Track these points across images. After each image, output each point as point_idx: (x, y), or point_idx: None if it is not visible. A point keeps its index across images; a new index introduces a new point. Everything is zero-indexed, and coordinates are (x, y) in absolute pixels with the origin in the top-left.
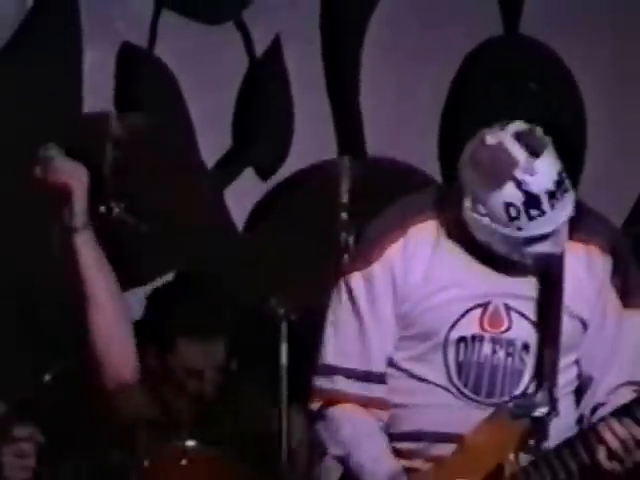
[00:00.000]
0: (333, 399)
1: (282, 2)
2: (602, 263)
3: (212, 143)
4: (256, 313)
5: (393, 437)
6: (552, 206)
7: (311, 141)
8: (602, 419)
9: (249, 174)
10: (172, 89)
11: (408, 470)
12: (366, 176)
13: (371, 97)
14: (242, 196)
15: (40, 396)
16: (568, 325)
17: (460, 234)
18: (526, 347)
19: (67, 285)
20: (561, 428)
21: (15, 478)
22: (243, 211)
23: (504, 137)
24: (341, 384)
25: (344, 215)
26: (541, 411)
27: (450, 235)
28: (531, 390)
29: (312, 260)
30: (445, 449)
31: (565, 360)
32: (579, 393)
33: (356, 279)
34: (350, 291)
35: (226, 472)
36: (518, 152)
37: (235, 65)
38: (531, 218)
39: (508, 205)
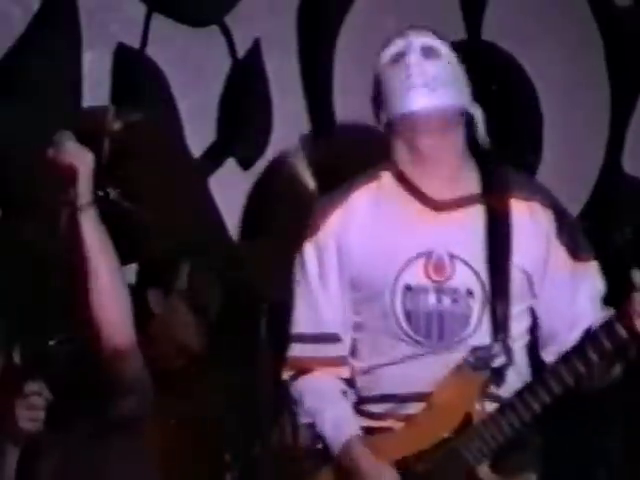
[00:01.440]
0: (295, 366)
1: (262, 8)
2: (544, 217)
3: (198, 136)
4: (239, 294)
5: (365, 400)
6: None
7: (288, 135)
8: (551, 365)
9: (231, 164)
10: (162, 86)
11: (381, 429)
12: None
13: (343, 96)
14: (225, 184)
15: (48, 356)
16: (515, 276)
17: (399, 189)
18: (470, 293)
19: (70, 260)
20: (515, 377)
21: (27, 429)
22: (225, 197)
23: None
24: (297, 350)
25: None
26: (499, 361)
27: (390, 192)
28: (485, 339)
29: (289, 247)
30: (413, 408)
31: (515, 309)
32: (543, 344)
33: (306, 247)
34: (302, 260)
35: (209, 431)
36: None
37: (219, 65)
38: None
39: (395, 55)
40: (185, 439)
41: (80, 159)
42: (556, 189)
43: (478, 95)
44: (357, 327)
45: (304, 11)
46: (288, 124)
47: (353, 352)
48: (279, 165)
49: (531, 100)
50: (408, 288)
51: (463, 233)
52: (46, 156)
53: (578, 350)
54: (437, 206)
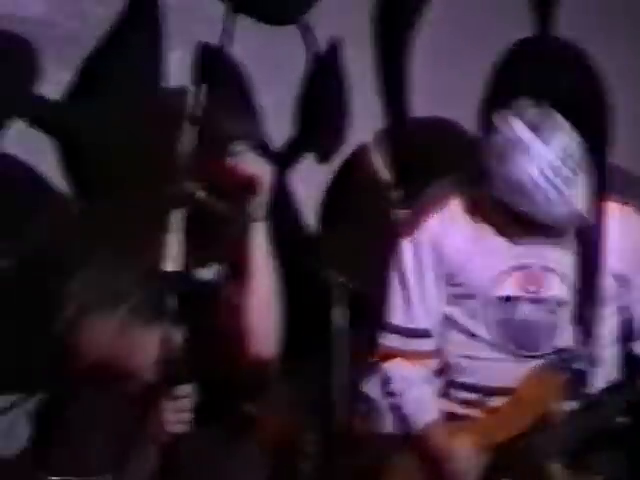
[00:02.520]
0: (384, 353)
1: (341, 6)
2: (635, 222)
3: (278, 131)
4: (317, 282)
5: (453, 385)
6: (563, 183)
7: (365, 130)
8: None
9: (309, 159)
10: (243, 84)
11: (465, 417)
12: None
13: (417, 92)
14: (303, 177)
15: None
16: (606, 281)
17: (500, 203)
18: (561, 304)
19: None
20: (603, 373)
21: (174, 431)
22: (303, 190)
23: (511, 120)
24: (389, 340)
25: (394, 194)
26: (582, 364)
27: (491, 205)
28: (570, 342)
29: (367, 235)
30: (497, 401)
31: (605, 311)
32: (634, 338)
33: (403, 246)
34: (399, 257)
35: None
36: (523, 132)
37: (298, 62)
38: (539, 192)
39: (520, 179)
40: (262, 426)
41: (262, 171)
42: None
43: (547, 91)
44: (449, 319)
45: (382, 9)
46: (365, 120)
47: (444, 337)
48: (356, 157)
49: (602, 94)
50: (503, 299)
51: (559, 246)
52: (226, 166)
53: None
54: (535, 224)
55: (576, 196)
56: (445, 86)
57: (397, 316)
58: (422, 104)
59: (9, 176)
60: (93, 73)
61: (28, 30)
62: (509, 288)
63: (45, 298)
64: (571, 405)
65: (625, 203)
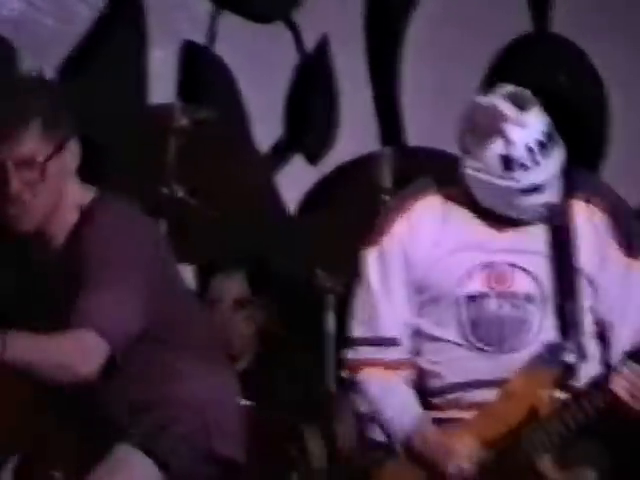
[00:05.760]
0: (356, 367)
1: (330, 3)
2: (601, 220)
3: (266, 132)
4: (305, 286)
5: (429, 393)
6: (544, 156)
7: (355, 130)
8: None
9: (299, 160)
10: (229, 83)
11: (448, 420)
12: (405, 164)
13: (410, 91)
14: (292, 180)
15: None
16: (578, 276)
17: (463, 202)
18: (529, 298)
19: None
20: (588, 370)
21: None
22: (293, 194)
23: (494, 97)
24: (356, 352)
25: (386, 198)
26: (570, 357)
27: (453, 204)
28: (547, 337)
29: (356, 239)
30: (474, 396)
31: (585, 304)
32: (603, 340)
33: (369, 254)
34: (365, 266)
35: (280, 429)
36: (507, 108)
37: (286, 61)
38: (525, 168)
39: (503, 157)
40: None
41: None
42: (618, 185)
43: (544, 88)
44: (418, 330)
45: (371, 7)
46: (355, 119)
47: (416, 352)
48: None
49: (598, 93)
50: (471, 298)
51: (524, 242)
52: None
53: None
54: (502, 223)
55: (551, 164)
56: (439, 82)
57: (362, 327)
58: (414, 101)
59: None
60: (74, 71)
61: (7, 29)
62: (475, 286)
63: None
64: (561, 398)
65: (589, 201)
